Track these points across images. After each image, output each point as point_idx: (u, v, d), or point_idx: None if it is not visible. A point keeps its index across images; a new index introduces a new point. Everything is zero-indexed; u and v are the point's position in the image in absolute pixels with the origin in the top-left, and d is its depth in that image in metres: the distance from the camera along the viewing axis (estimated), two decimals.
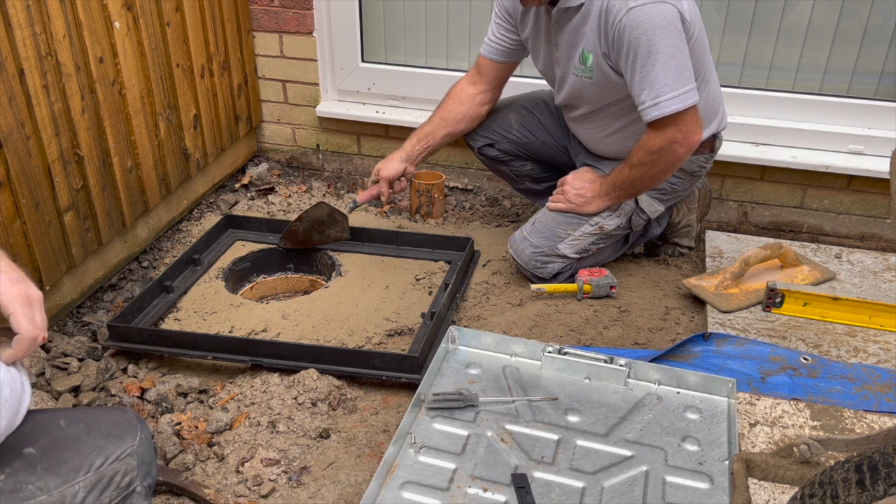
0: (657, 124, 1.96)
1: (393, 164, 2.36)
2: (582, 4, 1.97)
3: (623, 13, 1.87)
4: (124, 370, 1.97)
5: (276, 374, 1.88)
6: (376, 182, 2.39)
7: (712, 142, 2.24)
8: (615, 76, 2.01)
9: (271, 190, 2.92)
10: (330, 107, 2.95)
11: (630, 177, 2.11)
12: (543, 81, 2.35)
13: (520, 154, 2.45)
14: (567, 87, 2.16)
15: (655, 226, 2.37)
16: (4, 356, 1.04)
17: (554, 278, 2.27)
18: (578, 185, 2.22)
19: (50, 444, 1.10)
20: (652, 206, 2.24)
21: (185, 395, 1.87)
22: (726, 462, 1.58)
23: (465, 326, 2.08)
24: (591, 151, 2.33)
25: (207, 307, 2.19)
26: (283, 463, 1.66)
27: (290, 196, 2.88)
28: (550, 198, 2.30)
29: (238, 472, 1.63)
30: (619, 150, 2.21)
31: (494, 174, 2.64)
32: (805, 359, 1.94)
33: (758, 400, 1.82)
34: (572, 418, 1.71)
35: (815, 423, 1.75)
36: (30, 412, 1.08)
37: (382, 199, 2.40)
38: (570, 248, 2.23)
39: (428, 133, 2.38)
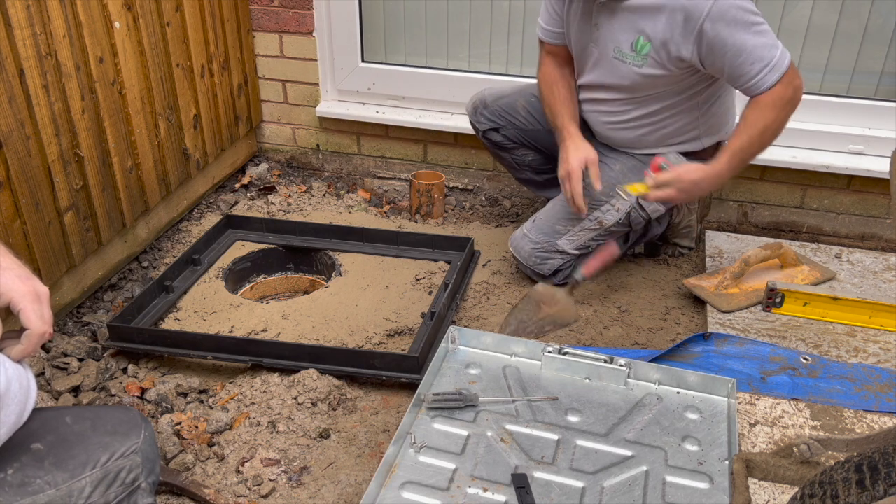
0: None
1: (584, 146, 2.17)
2: None
3: (710, 4, 1.89)
4: (124, 370, 1.97)
5: (276, 374, 1.88)
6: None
7: (715, 150, 2.24)
8: (673, 68, 2.01)
9: (271, 190, 2.92)
10: (330, 107, 2.95)
11: (760, 134, 2.02)
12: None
13: (524, 142, 2.43)
14: (602, 70, 2.13)
15: (656, 226, 2.37)
16: (14, 353, 1.05)
17: (553, 276, 2.27)
18: (684, 171, 2.06)
19: (57, 440, 1.11)
20: (651, 204, 2.24)
21: (185, 395, 1.87)
22: (726, 462, 1.58)
23: (465, 326, 2.08)
24: (599, 139, 2.32)
25: (207, 307, 2.19)
26: (283, 463, 1.66)
27: (290, 196, 2.88)
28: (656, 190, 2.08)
29: (238, 472, 1.63)
30: (632, 138, 2.21)
31: (495, 160, 2.61)
32: (805, 359, 1.94)
33: (758, 400, 1.82)
34: (572, 418, 1.71)
35: (815, 423, 1.75)
36: (36, 409, 1.09)
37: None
38: (569, 244, 2.23)
39: (574, 113, 2.26)
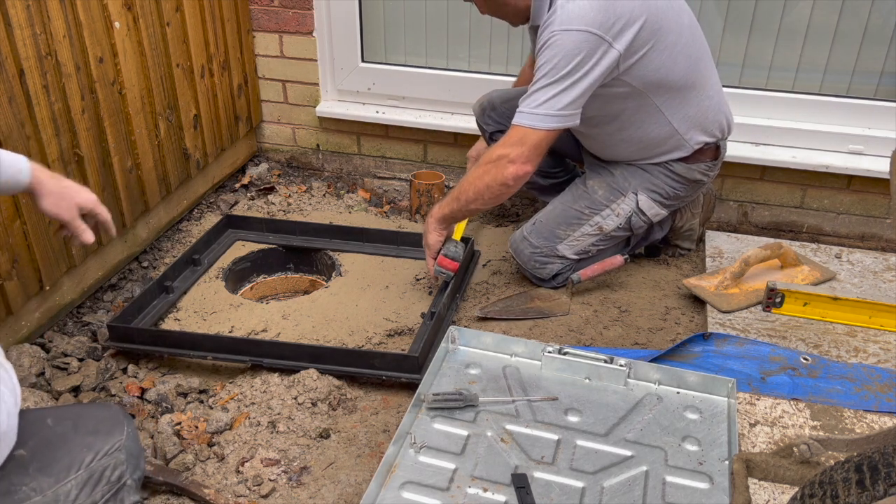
0: (509, 133, 1.98)
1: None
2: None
3: (549, 34, 1.90)
4: (124, 370, 1.97)
5: (276, 374, 1.88)
6: None
7: (714, 150, 2.23)
8: None
9: (271, 190, 2.92)
10: (330, 107, 2.95)
11: (461, 184, 2.08)
12: None
13: None
14: None
15: (657, 230, 2.37)
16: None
17: (552, 279, 2.27)
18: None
19: (39, 444, 1.11)
20: (653, 208, 2.24)
21: (185, 395, 1.87)
22: (726, 462, 1.58)
23: (465, 326, 2.08)
24: (591, 153, 2.33)
25: (207, 307, 2.19)
26: (283, 463, 1.66)
27: (290, 196, 2.88)
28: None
29: (238, 472, 1.63)
30: (619, 154, 2.21)
31: None
32: (805, 359, 1.94)
33: (758, 400, 1.82)
34: (572, 418, 1.71)
35: (815, 423, 1.75)
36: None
37: None
38: (569, 248, 2.23)
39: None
